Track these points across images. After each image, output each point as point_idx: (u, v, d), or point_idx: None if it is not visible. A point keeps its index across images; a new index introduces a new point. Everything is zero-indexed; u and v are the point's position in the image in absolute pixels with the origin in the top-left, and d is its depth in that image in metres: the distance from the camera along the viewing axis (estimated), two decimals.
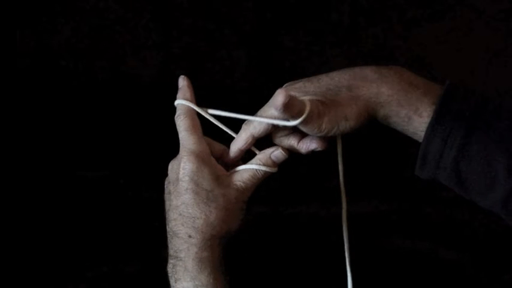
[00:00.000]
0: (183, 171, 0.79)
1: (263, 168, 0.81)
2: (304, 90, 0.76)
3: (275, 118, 0.76)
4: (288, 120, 0.74)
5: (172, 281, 0.79)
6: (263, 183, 0.82)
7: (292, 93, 0.75)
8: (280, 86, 0.83)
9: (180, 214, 0.78)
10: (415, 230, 1.07)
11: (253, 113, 0.81)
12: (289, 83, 0.80)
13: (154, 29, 1.09)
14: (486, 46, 1.09)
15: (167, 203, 0.81)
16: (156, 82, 1.07)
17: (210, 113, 0.82)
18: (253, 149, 0.84)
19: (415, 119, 0.74)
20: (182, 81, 0.85)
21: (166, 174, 0.83)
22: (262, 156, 0.82)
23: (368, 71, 0.76)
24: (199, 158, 0.79)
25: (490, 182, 0.70)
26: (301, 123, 0.74)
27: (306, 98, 0.75)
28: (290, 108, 0.71)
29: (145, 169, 1.05)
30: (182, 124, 0.82)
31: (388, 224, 1.07)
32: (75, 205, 1.07)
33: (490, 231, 1.07)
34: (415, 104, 0.73)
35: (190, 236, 0.78)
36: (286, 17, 1.09)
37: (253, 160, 0.82)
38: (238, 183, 0.81)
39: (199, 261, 0.77)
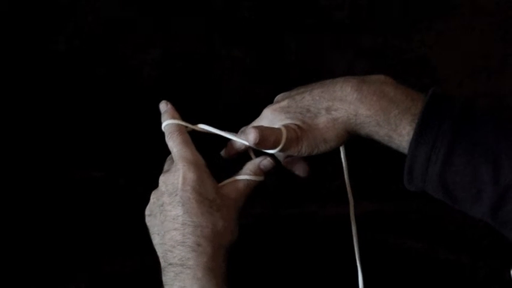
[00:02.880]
0: (183, 181, 0.78)
1: (253, 178, 0.82)
2: (287, 110, 0.79)
3: None
4: None
5: None
6: (262, 185, 0.83)
7: (276, 113, 0.79)
8: (280, 86, 0.84)
9: (183, 223, 0.77)
10: (414, 229, 1.07)
11: (251, 113, 0.82)
12: (280, 96, 0.83)
13: (154, 29, 1.09)
14: (487, 46, 1.09)
15: (160, 215, 0.80)
16: (155, 82, 1.07)
17: (201, 128, 0.84)
18: (250, 152, 0.86)
19: (395, 138, 0.74)
20: (165, 106, 0.85)
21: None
22: (251, 166, 0.84)
23: (348, 90, 0.76)
24: (199, 168, 0.80)
25: (476, 193, 0.70)
26: (279, 151, 0.77)
27: (284, 123, 0.78)
28: (264, 143, 0.76)
29: (144, 169, 1.05)
30: (176, 139, 0.82)
31: (387, 223, 1.07)
32: (74, 205, 1.07)
33: (489, 231, 1.07)
34: (394, 123, 0.74)
35: (199, 245, 0.77)
36: (286, 17, 1.09)
37: (243, 171, 0.83)
38: (233, 193, 0.81)
39: (210, 270, 0.76)
